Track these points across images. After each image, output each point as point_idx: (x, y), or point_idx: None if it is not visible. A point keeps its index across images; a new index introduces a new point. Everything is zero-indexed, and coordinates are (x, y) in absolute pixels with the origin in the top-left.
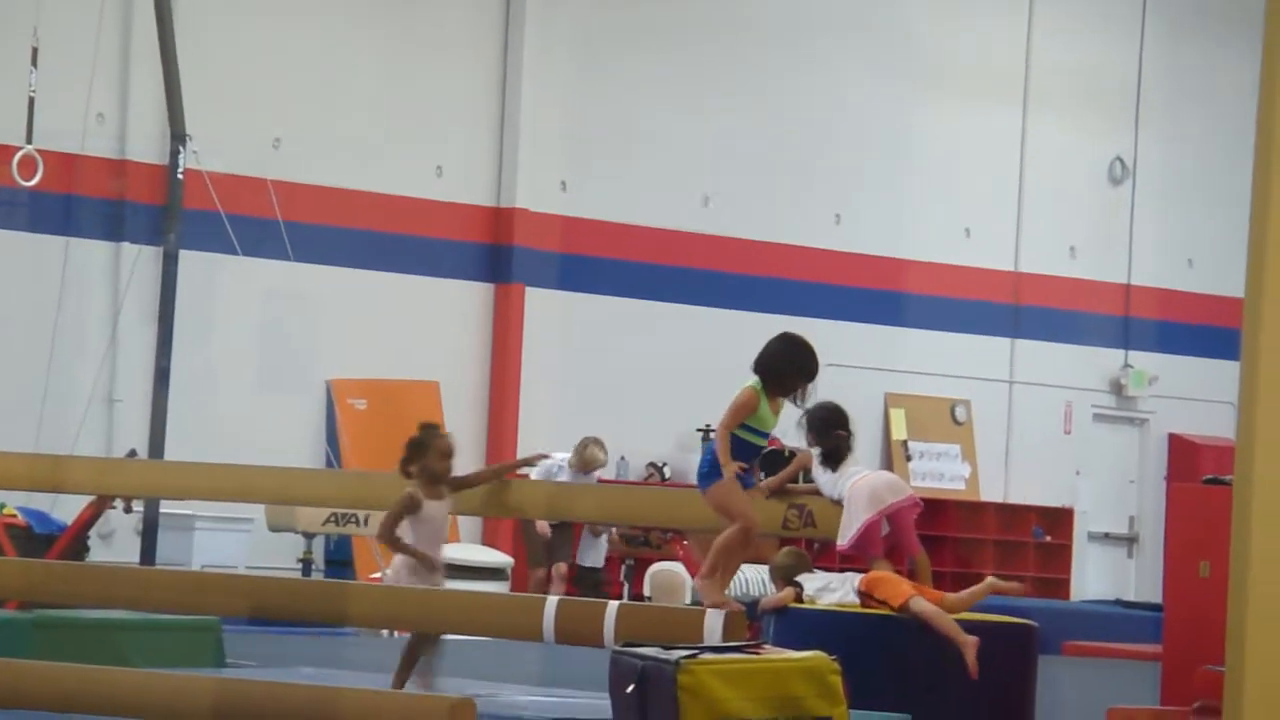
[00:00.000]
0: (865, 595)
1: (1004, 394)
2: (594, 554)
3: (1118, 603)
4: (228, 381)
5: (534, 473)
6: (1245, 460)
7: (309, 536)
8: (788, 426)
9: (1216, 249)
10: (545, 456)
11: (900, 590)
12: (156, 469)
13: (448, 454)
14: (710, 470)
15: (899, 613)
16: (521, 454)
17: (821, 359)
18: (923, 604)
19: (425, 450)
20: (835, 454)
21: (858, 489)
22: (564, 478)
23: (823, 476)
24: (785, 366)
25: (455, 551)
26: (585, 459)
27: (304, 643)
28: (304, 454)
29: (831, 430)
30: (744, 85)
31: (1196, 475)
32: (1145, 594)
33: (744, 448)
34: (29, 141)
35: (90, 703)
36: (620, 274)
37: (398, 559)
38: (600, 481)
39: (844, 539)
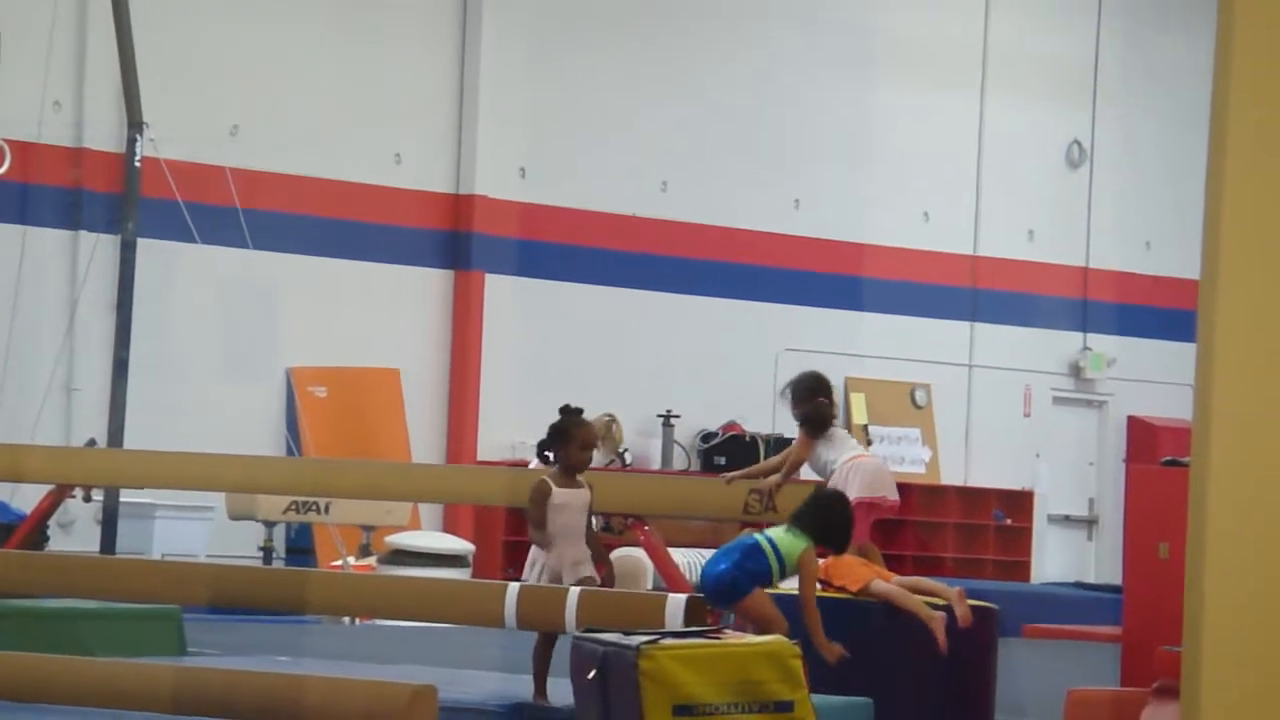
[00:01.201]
0: (823, 582)
1: (963, 377)
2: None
3: (1077, 585)
4: (187, 370)
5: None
6: (1202, 441)
7: (270, 524)
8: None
9: (1174, 232)
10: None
11: (858, 574)
12: (116, 458)
13: (589, 445)
14: (740, 583)
15: (858, 596)
16: (482, 440)
17: (780, 344)
18: (883, 585)
19: (567, 439)
20: (819, 420)
21: (856, 469)
22: None
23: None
24: (842, 525)
25: (416, 539)
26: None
27: (266, 631)
28: (264, 442)
29: (814, 397)
30: (702, 71)
31: (1155, 457)
32: (1105, 576)
33: (765, 571)
34: None
35: (51, 692)
36: (579, 260)
37: (533, 551)
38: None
39: None
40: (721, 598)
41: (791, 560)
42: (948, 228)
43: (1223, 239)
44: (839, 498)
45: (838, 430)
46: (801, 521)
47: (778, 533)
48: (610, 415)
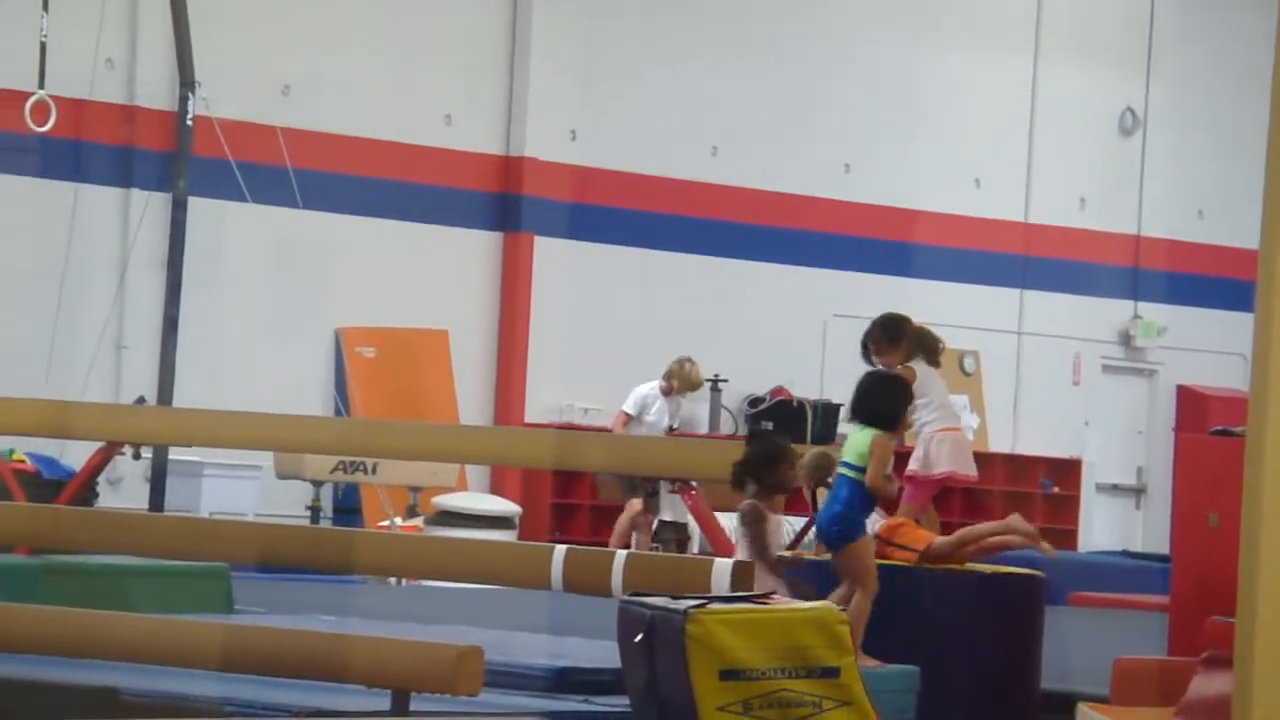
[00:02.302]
0: (885, 541)
1: (1013, 345)
2: (677, 509)
3: (1125, 554)
4: (236, 329)
5: (628, 403)
6: (1259, 411)
7: (317, 484)
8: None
9: (1227, 200)
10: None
11: (921, 535)
12: (165, 415)
13: (794, 465)
14: (845, 529)
15: (921, 559)
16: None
17: (829, 310)
18: (944, 540)
19: (776, 464)
20: (929, 348)
21: (945, 441)
22: (658, 406)
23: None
24: (891, 405)
25: (462, 500)
26: (689, 379)
27: (312, 590)
28: (312, 402)
29: (901, 339)
30: (753, 34)
31: (1204, 426)
32: (1152, 545)
33: (866, 501)
34: (41, 87)
35: (99, 648)
36: (629, 223)
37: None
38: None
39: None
40: (834, 541)
41: (866, 457)
42: (999, 194)
43: None
44: (876, 376)
45: (938, 383)
46: (857, 416)
47: (846, 446)
48: (687, 357)
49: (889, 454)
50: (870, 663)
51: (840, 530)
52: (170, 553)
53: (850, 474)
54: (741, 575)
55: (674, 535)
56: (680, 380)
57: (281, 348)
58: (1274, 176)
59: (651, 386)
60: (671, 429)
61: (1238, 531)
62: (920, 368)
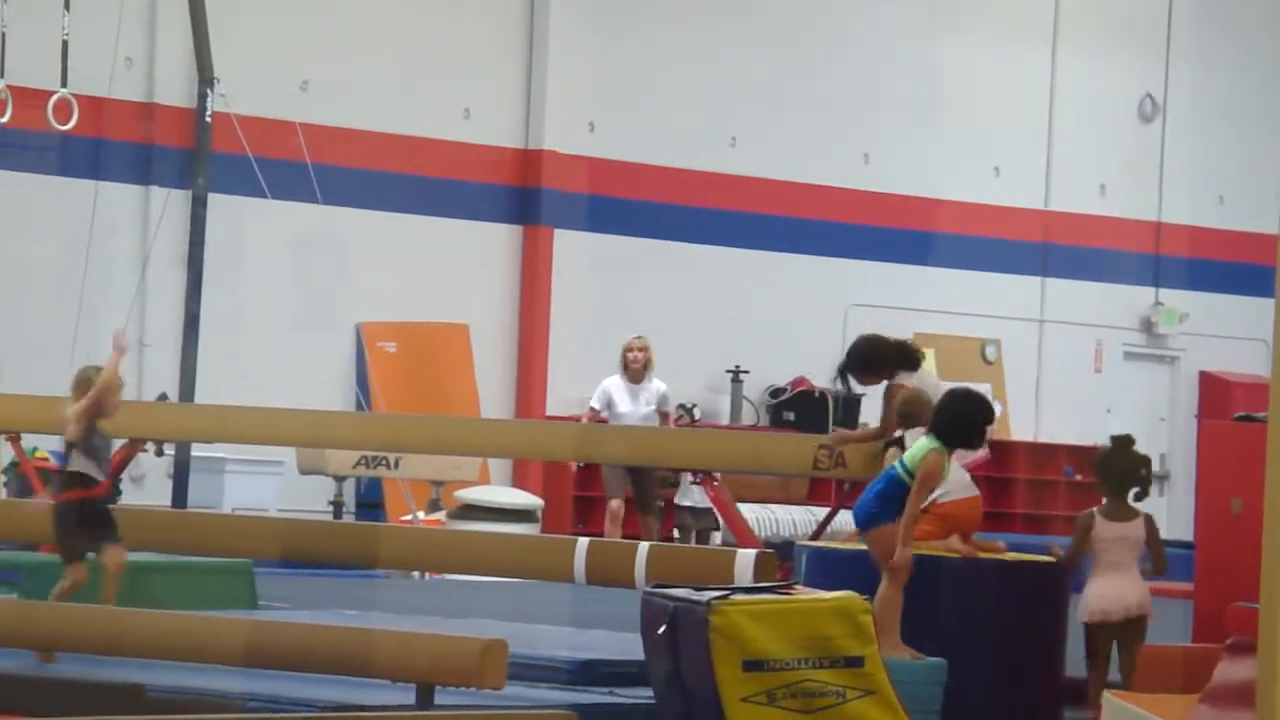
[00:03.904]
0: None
1: (1034, 333)
2: (697, 494)
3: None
4: (257, 325)
5: (594, 398)
6: None
7: (339, 479)
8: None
9: (1247, 185)
10: None
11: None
12: (187, 412)
13: None
14: (874, 511)
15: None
16: (551, 395)
17: (850, 299)
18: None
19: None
20: (909, 360)
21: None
22: (623, 395)
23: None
24: (968, 423)
25: (485, 494)
26: (642, 358)
27: (336, 585)
28: (334, 397)
29: (888, 354)
30: (772, 24)
31: (1227, 413)
32: (1176, 532)
33: (906, 495)
34: (64, 85)
35: (124, 645)
36: (648, 215)
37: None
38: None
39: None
40: (858, 524)
41: (917, 465)
42: (1019, 182)
43: None
44: (956, 393)
45: (928, 377)
46: (931, 426)
47: (912, 448)
48: (635, 336)
49: (936, 473)
50: (906, 654)
51: (865, 514)
52: (193, 549)
53: (899, 470)
54: (764, 565)
55: (694, 522)
56: (638, 363)
57: (303, 343)
58: None
59: (614, 378)
60: (664, 414)
61: (1261, 517)
62: (906, 380)
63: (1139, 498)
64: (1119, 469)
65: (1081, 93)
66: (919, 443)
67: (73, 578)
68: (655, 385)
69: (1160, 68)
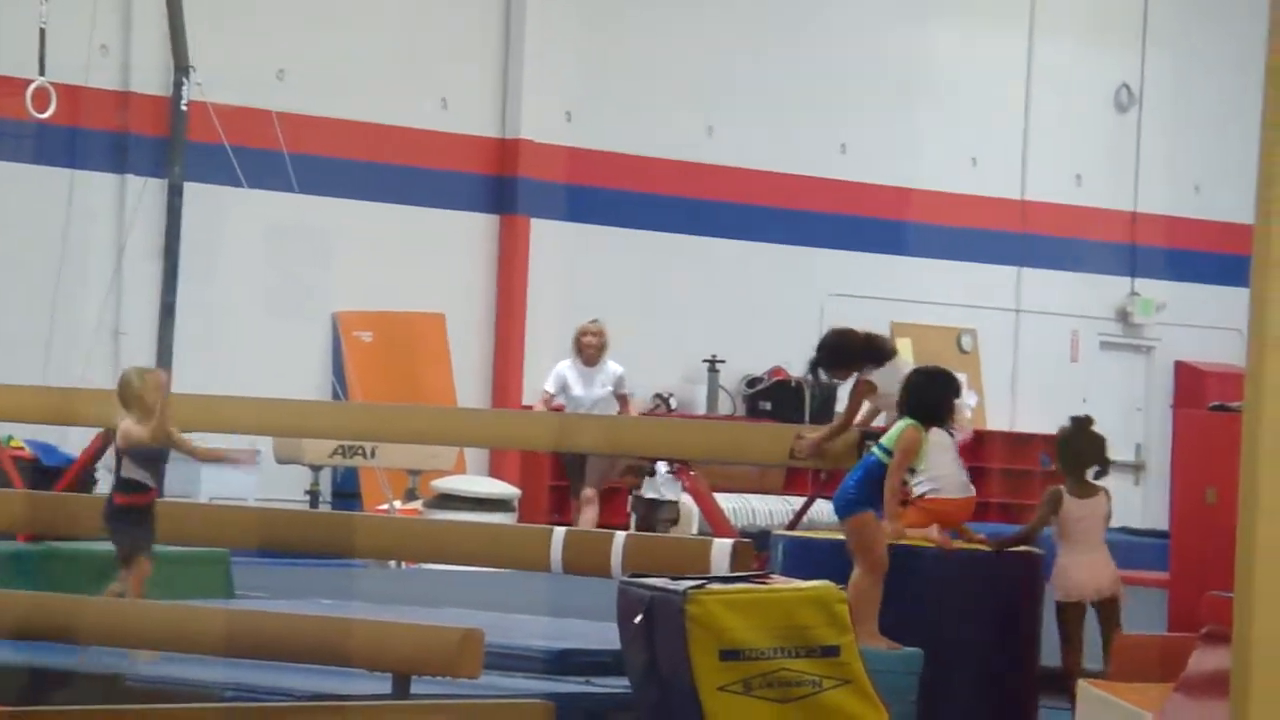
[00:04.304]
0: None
1: (1010, 323)
2: (663, 487)
3: (1124, 530)
4: (233, 314)
5: (548, 381)
6: (1255, 386)
7: (316, 469)
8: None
9: (1223, 175)
10: None
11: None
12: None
13: None
14: (853, 498)
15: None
16: (527, 384)
17: (827, 289)
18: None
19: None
20: (880, 353)
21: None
22: (578, 379)
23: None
24: (936, 398)
25: (462, 483)
26: (597, 341)
27: (312, 575)
28: (310, 386)
29: (852, 348)
30: (749, 13)
31: (1202, 402)
32: (1152, 521)
33: (881, 486)
34: (41, 73)
35: (101, 634)
36: (625, 205)
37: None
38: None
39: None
40: (837, 511)
41: (894, 443)
42: (995, 172)
43: (1277, 181)
44: (924, 370)
45: (903, 369)
46: (901, 407)
47: (889, 433)
48: (591, 320)
49: (915, 447)
50: (883, 644)
51: (843, 501)
52: (170, 538)
53: (879, 454)
54: (740, 555)
55: (659, 514)
56: (591, 347)
57: (279, 332)
58: (1268, 151)
59: (567, 361)
60: (622, 397)
61: (1236, 507)
62: (875, 374)
63: (1099, 476)
64: (1079, 448)
65: (1058, 83)
66: (892, 431)
67: (135, 574)
68: (611, 368)
69: (1136, 57)
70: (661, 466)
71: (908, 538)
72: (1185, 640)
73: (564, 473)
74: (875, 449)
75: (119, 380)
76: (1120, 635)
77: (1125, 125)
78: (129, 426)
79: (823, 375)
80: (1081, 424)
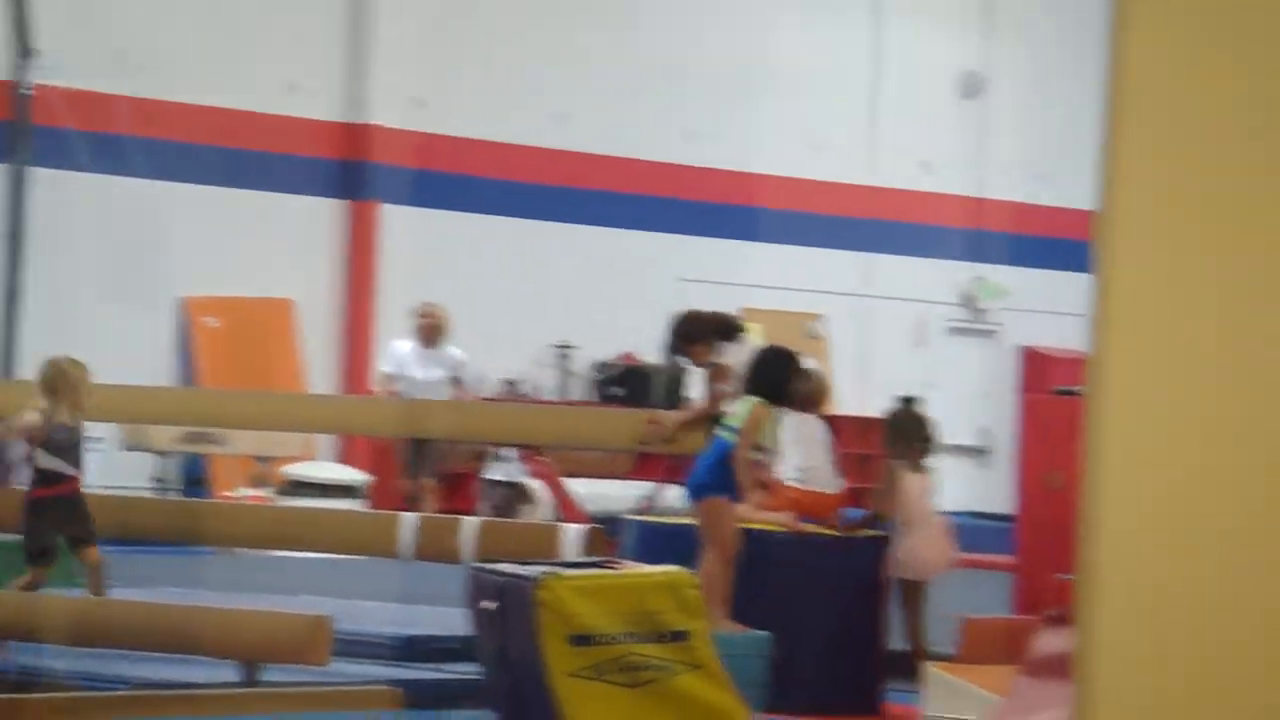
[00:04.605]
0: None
1: (858, 308)
2: (511, 468)
3: (970, 514)
4: (80, 299)
5: (385, 361)
6: (1098, 371)
7: (163, 455)
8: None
9: (1067, 162)
10: None
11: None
12: (7, 388)
13: None
14: (706, 481)
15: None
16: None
17: (676, 274)
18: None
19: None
20: (728, 331)
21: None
22: (417, 360)
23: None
24: (777, 375)
25: (311, 470)
26: (437, 325)
27: (159, 562)
28: (157, 372)
29: (703, 334)
30: (599, 1)
31: (1047, 387)
32: (997, 505)
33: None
34: None
35: None
36: (476, 190)
37: None
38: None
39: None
40: (690, 495)
41: (741, 422)
42: (843, 158)
43: (1119, 168)
44: (768, 349)
45: (750, 342)
46: (745, 386)
47: (733, 413)
48: (431, 303)
49: (760, 425)
50: (731, 627)
51: (696, 485)
52: (12, 526)
53: (728, 436)
54: (591, 541)
55: (511, 498)
56: (427, 329)
57: (126, 318)
58: (1111, 137)
59: (406, 342)
60: (460, 383)
61: (1079, 490)
62: (728, 354)
63: (924, 454)
64: (907, 428)
65: (904, 68)
66: (738, 404)
67: (32, 577)
68: (451, 353)
69: (983, 44)
70: (505, 451)
71: (760, 523)
72: (1030, 622)
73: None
74: (723, 431)
75: (48, 368)
76: (968, 620)
77: (971, 111)
78: (48, 413)
79: (679, 359)
80: (909, 404)
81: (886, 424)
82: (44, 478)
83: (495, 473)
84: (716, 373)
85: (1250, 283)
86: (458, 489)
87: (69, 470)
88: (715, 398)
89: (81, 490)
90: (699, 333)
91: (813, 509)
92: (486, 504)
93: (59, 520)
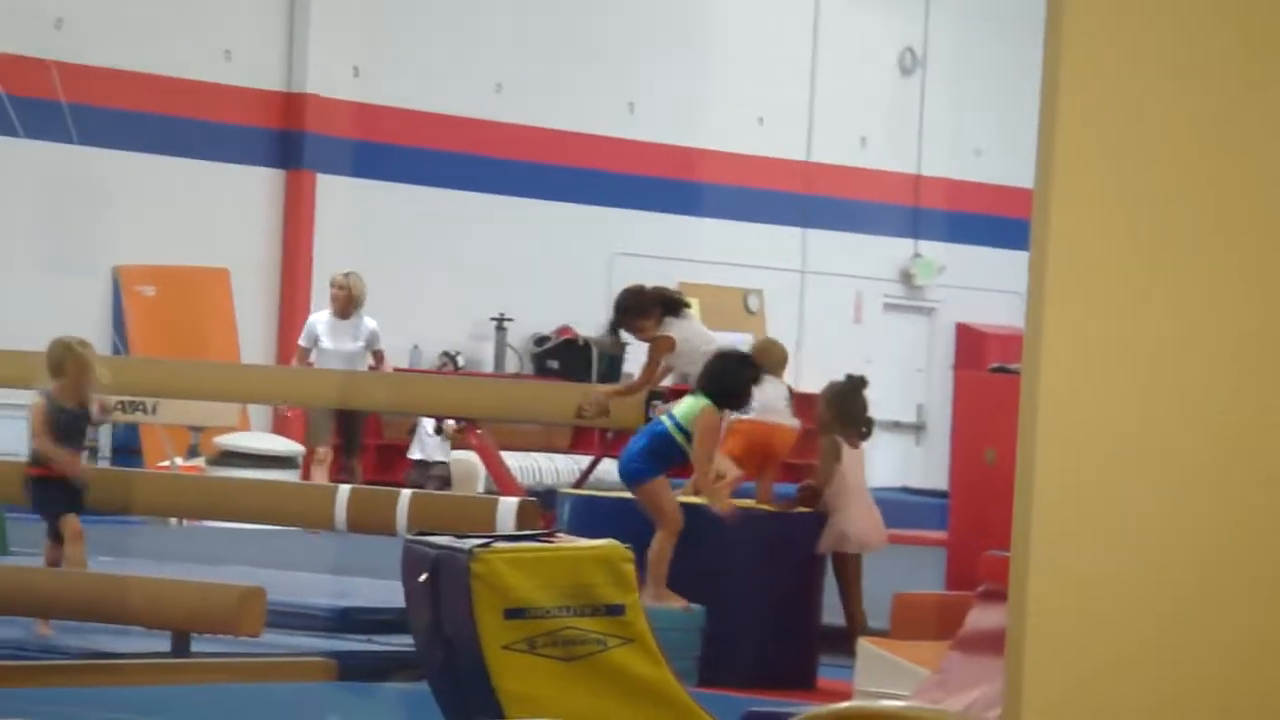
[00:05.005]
0: None
1: (796, 283)
2: (431, 447)
3: (905, 490)
4: (12, 267)
5: (302, 334)
6: (1033, 348)
7: (95, 424)
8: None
9: (1004, 139)
10: None
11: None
12: None
13: None
14: (642, 466)
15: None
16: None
17: (614, 248)
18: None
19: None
20: (671, 304)
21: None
22: (330, 331)
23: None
24: (738, 384)
25: (245, 440)
26: (353, 295)
27: (90, 532)
28: (91, 340)
29: (647, 309)
30: None
31: (983, 364)
32: (932, 481)
33: (676, 451)
34: None
35: None
36: (414, 161)
37: None
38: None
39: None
40: (625, 479)
41: (692, 424)
42: (782, 133)
43: (1056, 146)
44: (729, 354)
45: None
46: (700, 384)
47: (681, 405)
48: (348, 271)
49: (715, 431)
50: (675, 601)
51: (628, 472)
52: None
53: (669, 426)
54: (526, 514)
55: (429, 473)
56: (341, 299)
57: (58, 286)
58: (1048, 115)
59: (322, 313)
60: (377, 353)
61: (1014, 467)
62: (673, 328)
63: (865, 436)
64: (854, 404)
65: (843, 45)
66: (689, 401)
67: (70, 529)
68: (365, 323)
69: (920, 21)
70: (428, 425)
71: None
72: (963, 598)
73: (340, 429)
74: (665, 419)
75: (55, 348)
76: (899, 595)
77: (909, 88)
78: (56, 394)
79: (623, 336)
80: (857, 382)
81: (832, 400)
82: (39, 457)
83: (415, 450)
84: (659, 346)
85: (1187, 259)
86: (381, 463)
87: (70, 451)
88: (656, 371)
89: (78, 473)
90: (643, 307)
91: (769, 443)
92: (410, 483)
93: (56, 498)
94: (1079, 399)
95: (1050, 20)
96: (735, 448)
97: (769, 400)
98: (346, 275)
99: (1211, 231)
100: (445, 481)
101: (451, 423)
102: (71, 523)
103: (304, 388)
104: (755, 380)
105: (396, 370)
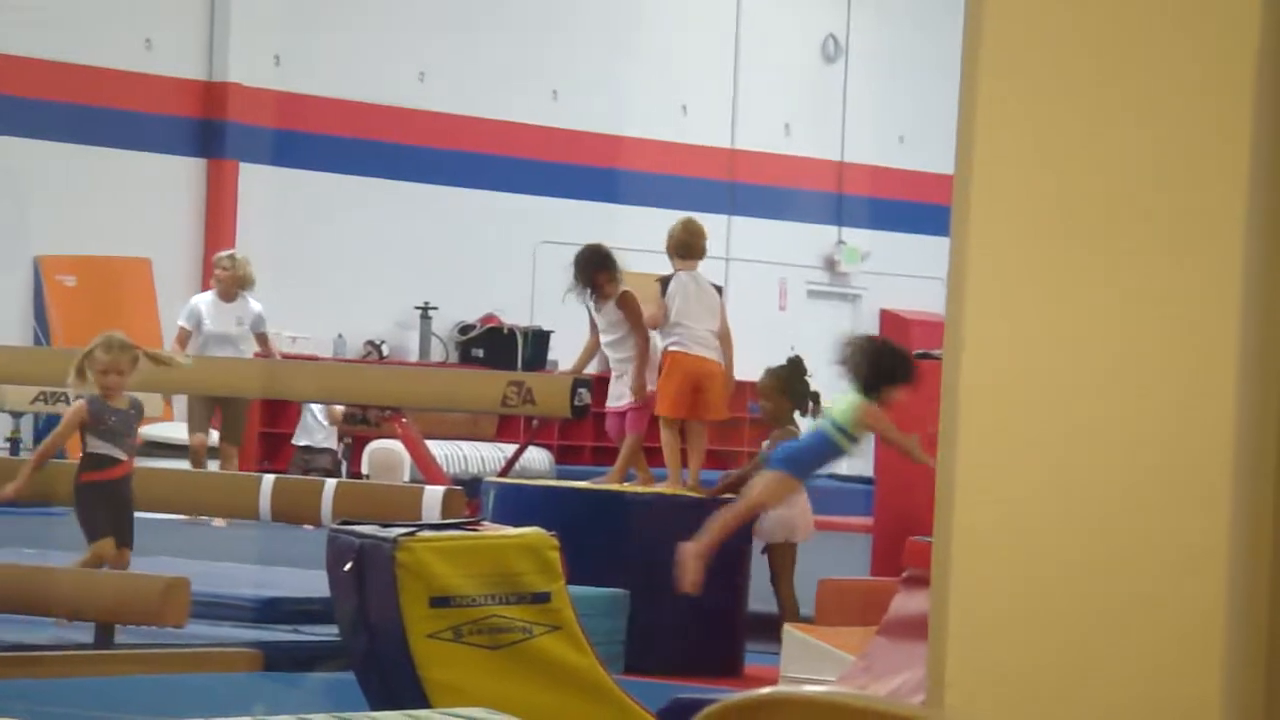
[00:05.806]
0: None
1: (720, 271)
2: (318, 433)
3: (830, 476)
4: None
5: (181, 315)
6: (954, 334)
7: (17, 415)
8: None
9: (926, 126)
10: None
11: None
12: None
13: None
14: (790, 462)
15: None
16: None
17: (539, 236)
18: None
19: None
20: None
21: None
22: (213, 313)
23: None
24: (890, 361)
25: (168, 431)
26: (240, 275)
27: (12, 523)
28: (11, 331)
29: (607, 266)
30: None
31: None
32: (856, 468)
33: (836, 453)
34: None
35: None
36: (336, 150)
37: None
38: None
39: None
40: (770, 464)
41: (852, 423)
42: (706, 120)
43: (977, 133)
44: (872, 338)
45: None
46: (851, 377)
47: (837, 407)
48: (229, 253)
49: (883, 417)
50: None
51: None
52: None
53: (830, 429)
54: (451, 503)
55: (315, 462)
56: (225, 280)
57: None
58: (968, 101)
59: (206, 295)
60: (260, 336)
61: (937, 452)
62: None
63: (816, 409)
64: (799, 385)
65: (767, 32)
66: (844, 401)
67: (95, 552)
68: (250, 305)
69: (842, 8)
70: (317, 410)
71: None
72: (887, 584)
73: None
74: (827, 424)
75: (94, 347)
76: (824, 580)
77: (832, 76)
78: (89, 396)
79: (587, 293)
80: (796, 362)
81: (779, 384)
82: (92, 461)
83: (300, 436)
84: (626, 299)
85: (1108, 244)
86: (267, 451)
87: (119, 454)
88: (644, 321)
89: (131, 476)
90: (603, 261)
91: (695, 374)
92: (295, 470)
93: (107, 506)
94: (1000, 385)
95: (970, 6)
96: (670, 387)
97: (686, 320)
98: (231, 256)
99: (1134, 217)
100: (331, 469)
101: (339, 409)
102: (123, 555)
103: (226, 378)
104: (903, 355)
105: (316, 359)
